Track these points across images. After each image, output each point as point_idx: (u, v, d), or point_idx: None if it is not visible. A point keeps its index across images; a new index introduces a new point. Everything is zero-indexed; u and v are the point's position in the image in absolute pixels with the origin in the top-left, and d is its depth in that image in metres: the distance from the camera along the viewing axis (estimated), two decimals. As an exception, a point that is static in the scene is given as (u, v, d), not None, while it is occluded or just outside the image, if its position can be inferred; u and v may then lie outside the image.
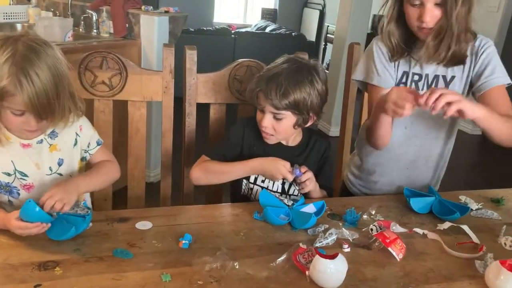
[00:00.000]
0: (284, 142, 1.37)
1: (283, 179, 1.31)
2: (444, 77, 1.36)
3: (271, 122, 1.28)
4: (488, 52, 1.35)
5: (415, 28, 1.29)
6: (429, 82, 1.37)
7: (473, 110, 1.17)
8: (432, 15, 1.23)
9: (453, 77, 1.36)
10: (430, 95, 1.12)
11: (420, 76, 1.37)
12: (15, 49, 0.99)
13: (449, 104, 1.13)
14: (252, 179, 1.35)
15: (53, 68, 1.03)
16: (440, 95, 1.12)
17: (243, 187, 1.38)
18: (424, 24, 1.25)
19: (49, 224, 1.00)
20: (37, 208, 0.98)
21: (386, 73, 1.38)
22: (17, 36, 1.02)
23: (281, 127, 1.28)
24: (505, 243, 1.15)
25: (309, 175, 1.27)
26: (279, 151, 1.34)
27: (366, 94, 1.86)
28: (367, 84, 1.42)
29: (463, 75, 1.37)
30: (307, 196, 1.34)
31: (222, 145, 1.39)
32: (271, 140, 1.33)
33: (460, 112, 1.15)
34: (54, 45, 1.08)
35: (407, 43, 1.35)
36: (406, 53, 1.36)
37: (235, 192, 1.41)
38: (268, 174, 1.29)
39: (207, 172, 1.32)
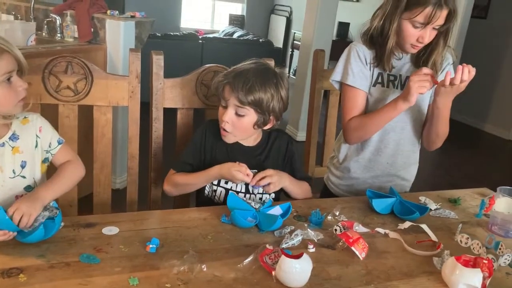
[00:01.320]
0: (244, 143, 1.39)
1: None
2: None
3: (232, 118, 1.30)
4: (449, 64, 1.50)
5: (408, 44, 1.39)
6: (403, 82, 1.48)
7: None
8: (430, 37, 1.36)
9: None
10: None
11: (395, 76, 1.49)
12: None
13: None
14: (215, 182, 1.37)
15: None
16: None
17: (206, 189, 1.40)
18: (420, 44, 1.37)
19: (15, 233, 0.99)
20: (6, 217, 0.97)
21: (361, 74, 1.46)
22: None
23: (241, 124, 1.31)
24: (460, 240, 1.21)
25: (268, 180, 1.29)
26: (240, 151, 1.37)
27: (331, 100, 1.94)
28: (343, 84, 1.50)
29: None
30: (289, 197, 1.39)
31: (185, 154, 1.41)
32: (229, 139, 1.35)
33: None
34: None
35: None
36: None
37: (199, 194, 1.43)
38: (229, 179, 1.33)
39: (175, 185, 1.38)
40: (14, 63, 1.07)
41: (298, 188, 1.41)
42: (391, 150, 1.55)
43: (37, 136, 1.21)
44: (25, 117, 1.20)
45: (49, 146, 1.24)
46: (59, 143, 1.26)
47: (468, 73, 1.27)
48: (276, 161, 1.42)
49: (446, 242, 1.19)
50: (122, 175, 2.91)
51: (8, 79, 1.07)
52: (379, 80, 1.49)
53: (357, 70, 1.46)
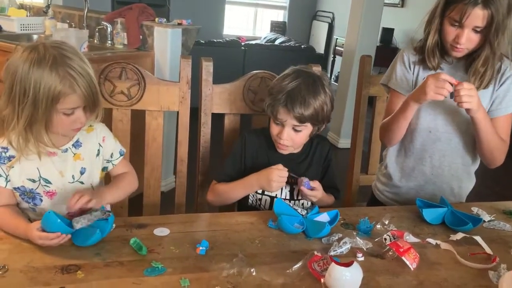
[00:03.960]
0: (276, 146, 1.39)
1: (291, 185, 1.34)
2: None
3: (291, 135, 1.31)
4: (510, 79, 1.42)
5: (448, 45, 1.36)
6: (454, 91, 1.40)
7: (476, 111, 1.31)
8: (468, 38, 1.30)
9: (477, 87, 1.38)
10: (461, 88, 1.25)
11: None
12: (51, 54, 1.05)
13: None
14: (260, 190, 1.38)
15: (85, 60, 1.11)
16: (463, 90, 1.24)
17: (250, 198, 1.41)
18: (458, 45, 1.32)
19: (69, 235, 1.02)
20: (58, 220, 1.00)
21: (403, 79, 1.48)
22: (43, 43, 1.08)
23: (299, 138, 1.33)
24: (518, 254, 1.16)
25: (318, 189, 1.31)
26: (283, 158, 1.37)
27: (377, 106, 1.91)
28: (389, 88, 1.53)
29: (487, 91, 1.41)
30: (314, 204, 1.37)
31: (226, 166, 1.42)
32: (287, 151, 1.36)
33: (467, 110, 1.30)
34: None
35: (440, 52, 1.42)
36: (436, 60, 1.41)
37: (242, 203, 1.44)
38: (266, 187, 1.30)
39: (217, 195, 1.40)
40: (80, 102, 1.09)
41: (324, 202, 1.39)
42: (436, 161, 1.50)
43: (99, 145, 1.26)
44: (90, 126, 1.25)
45: (111, 157, 1.29)
46: (121, 154, 1.32)
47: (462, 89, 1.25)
48: (317, 168, 1.43)
49: (501, 255, 1.14)
50: (167, 178, 2.97)
51: (73, 112, 1.11)
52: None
53: (400, 75, 1.48)
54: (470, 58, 1.38)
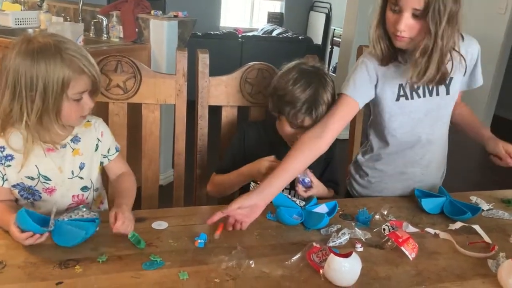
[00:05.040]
0: (290, 144, 1.39)
1: None
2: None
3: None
4: (476, 53, 1.35)
5: (391, 34, 1.24)
6: (430, 88, 1.32)
7: None
8: (407, 24, 1.17)
9: (451, 78, 1.32)
10: None
11: (418, 85, 1.30)
12: (49, 43, 1.05)
13: None
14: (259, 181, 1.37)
15: (77, 45, 1.12)
16: None
17: (250, 188, 1.40)
18: (398, 32, 1.19)
19: (45, 235, 0.99)
20: (29, 219, 0.96)
21: (361, 87, 1.32)
22: (35, 36, 1.08)
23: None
24: (516, 243, 1.16)
25: (315, 187, 1.30)
26: (285, 150, 1.33)
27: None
28: (341, 94, 1.33)
29: (459, 75, 1.34)
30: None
31: (225, 158, 1.44)
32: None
33: None
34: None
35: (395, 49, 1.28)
36: (394, 59, 1.30)
37: (243, 193, 1.43)
38: (257, 178, 1.30)
39: (215, 186, 1.42)
40: (89, 84, 1.11)
41: (323, 197, 1.37)
42: (427, 161, 1.44)
43: (98, 140, 1.26)
44: (88, 121, 1.24)
45: (108, 152, 1.29)
46: (117, 150, 1.31)
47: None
48: (317, 164, 1.39)
49: (500, 244, 1.14)
50: (166, 171, 2.97)
51: (81, 97, 1.12)
52: (401, 93, 1.32)
53: (359, 84, 1.32)
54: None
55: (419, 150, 1.41)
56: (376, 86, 1.33)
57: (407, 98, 1.33)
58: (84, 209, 1.08)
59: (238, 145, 1.41)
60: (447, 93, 1.34)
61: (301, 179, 1.28)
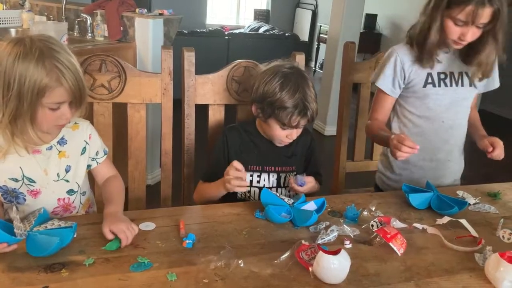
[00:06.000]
0: (278, 143, 1.40)
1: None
2: (467, 73, 1.50)
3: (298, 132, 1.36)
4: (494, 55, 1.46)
5: (450, 41, 1.38)
6: (456, 79, 1.49)
7: None
8: (472, 35, 1.33)
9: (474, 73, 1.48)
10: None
11: (446, 74, 1.49)
12: (38, 47, 1.02)
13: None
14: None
15: (72, 55, 1.08)
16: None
17: (238, 193, 1.40)
18: (462, 42, 1.35)
19: (13, 246, 0.95)
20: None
21: (390, 80, 1.51)
22: (29, 37, 1.04)
23: (298, 132, 1.37)
24: (503, 236, 1.17)
25: (310, 182, 1.32)
26: (269, 149, 1.39)
27: (362, 93, 1.91)
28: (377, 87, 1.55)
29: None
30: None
31: (211, 164, 1.43)
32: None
33: None
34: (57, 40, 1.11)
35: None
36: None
37: (231, 198, 1.42)
38: (227, 188, 1.27)
39: (199, 195, 1.42)
40: (66, 96, 1.06)
41: (313, 189, 1.39)
42: (451, 145, 1.58)
43: (86, 142, 1.24)
44: (75, 123, 1.22)
45: (96, 155, 1.27)
46: (105, 153, 1.30)
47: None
48: (301, 158, 1.46)
49: (487, 237, 1.15)
50: (153, 171, 2.95)
51: (58, 107, 1.07)
52: (429, 81, 1.48)
53: (389, 76, 1.51)
54: (467, 47, 1.41)
55: (443, 135, 1.53)
56: (405, 76, 1.50)
57: (434, 86, 1.48)
58: (60, 222, 1.05)
59: (222, 150, 1.40)
60: (470, 85, 1.50)
61: (298, 180, 1.31)
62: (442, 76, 1.48)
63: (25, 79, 1.00)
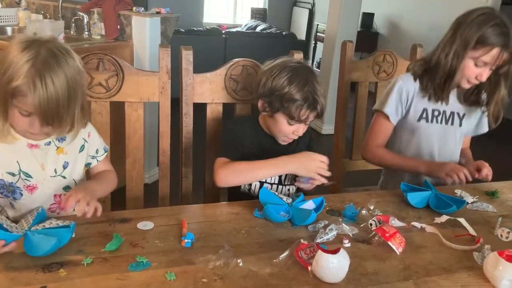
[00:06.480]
0: (280, 141, 1.39)
1: None
2: (458, 114, 1.57)
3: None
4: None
5: (465, 80, 1.43)
6: (447, 117, 1.56)
7: None
8: (487, 76, 1.40)
9: (464, 114, 1.57)
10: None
11: (439, 111, 1.55)
12: (37, 52, 1.00)
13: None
14: None
15: (70, 78, 1.03)
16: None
17: (242, 186, 1.39)
18: (477, 81, 1.41)
19: (11, 245, 0.94)
20: None
21: (393, 109, 1.55)
22: (43, 41, 1.03)
23: (306, 128, 1.36)
24: (501, 235, 1.17)
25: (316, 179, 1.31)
26: (274, 147, 1.38)
27: (360, 92, 1.92)
28: (376, 110, 1.60)
29: (473, 114, 1.59)
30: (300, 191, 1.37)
31: (234, 143, 1.36)
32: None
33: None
34: (76, 55, 1.08)
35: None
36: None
37: (233, 189, 1.42)
38: (303, 172, 1.28)
39: (236, 172, 1.29)
40: (33, 109, 1.01)
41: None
42: None
43: (84, 140, 1.23)
44: None
45: (96, 153, 1.27)
46: (105, 151, 1.30)
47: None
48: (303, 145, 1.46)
49: (485, 236, 1.16)
50: (151, 170, 2.94)
51: (29, 114, 1.03)
52: (424, 116, 1.54)
53: (395, 105, 1.55)
54: (474, 88, 1.49)
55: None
56: (407, 105, 1.56)
57: (427, 121, 1.55)
58: (58, 221, 1.04)
59: (240, 135, 1.37)
60: (460, 125, 1.57)
61: (304, 179, 1.31)
62: (436, 113, 1.54)
63: (6, 69, 0.99)
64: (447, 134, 1.57)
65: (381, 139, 1.59)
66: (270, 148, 1.39)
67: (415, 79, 1.53)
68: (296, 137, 1.36)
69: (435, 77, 1.46)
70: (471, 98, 1.52)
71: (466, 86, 1.45)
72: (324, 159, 1.28)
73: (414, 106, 1.54)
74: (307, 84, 1.28)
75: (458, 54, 1.38)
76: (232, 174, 1.29)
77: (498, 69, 1.38)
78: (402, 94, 1.53)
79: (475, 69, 1.38)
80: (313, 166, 1.26)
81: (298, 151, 1.41)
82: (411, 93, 1.52)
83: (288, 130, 1.33)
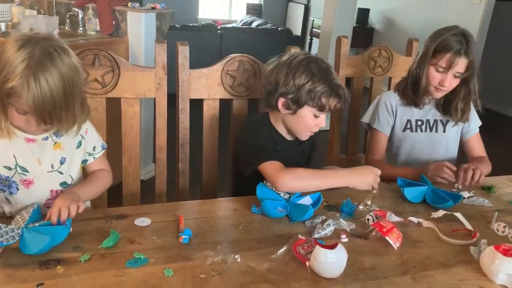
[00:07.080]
0: (287, 137, 1.41)
1: None
2: (441, 121, 1.68)
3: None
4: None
5: (431, 87, 1.57)
6: (431, 126, 1.68)
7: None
8: (451, 82, 1.53)
9: (447, 121, 1.68)
10: (465, 174, 1.43)
11: (422, 121, 1.68)
12: (32, 52, 0.99)
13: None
14: None
15: (66, 77, 1.02)
16: (474, 170, 1.43)
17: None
18: (442, 87, 1.54)
19: None
20: None
21: (385, 121, 1.68)
22: (39, 39, 1.02)
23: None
24: (497, 229, 1.18)
25: None
26: (285, 145, 1.39)
27: (355, 87, 1.92)
28: (371, 126, 1.72)
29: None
30: None
31: (268, 145, 1.34)
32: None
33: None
34: (72, 52, 1.07)
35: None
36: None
37: (239, 181, 1.43)
38: (357, 185, 1.26)
39: (300, 178, 1.26)
40: (27, 109, 1.01)
41: None
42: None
43: (82, 136, 1.22)
44: None
45: (93, 150, 1.27)
46: (103, 148, 1.29)
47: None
48: (308, 152, 1.49)
49: (482, 230, 1.16)
50: (147, 166, 2.93)
51: (25, 113, 1.03)
52: (408, 126, 1.68)
53: (383, 118, 1.68)
54: (445, 98, 1.62)
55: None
56: (393, 116, 1.69)
57: (411, 131, 1.68)
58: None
59: (269, 139, 1.36)
60: (444, 131, 1.69)
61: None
62: (419, 122, 1.67)
63: (4, 68, 0.98)
64: (434, 141, 1.69)
65: (378, 154, 1.69)
66: (282, 147, 1.38)
67: (395, 92, 1.69)
68: (317, 130, 1.38)
69: (407, 84, 1.63)
70: (444, 106, 1.64)
71: (436, 94, 1.58)
72: (379, 172, 1.28)
73: (399, 117, 1.67)
74: (328, 73, 1.30)
75: (421, 63, 1.56)
76: (296, 179, 1.25)
77: (461, 76, 1.53)
78: (387, 107, 1.67)
79: (437, 75, 1.53)
80: (371, 179, 1.26)
81: (306, 149, 1.47)
82: (394, 105, 1.67)
83: (313, 123, 1.34)
